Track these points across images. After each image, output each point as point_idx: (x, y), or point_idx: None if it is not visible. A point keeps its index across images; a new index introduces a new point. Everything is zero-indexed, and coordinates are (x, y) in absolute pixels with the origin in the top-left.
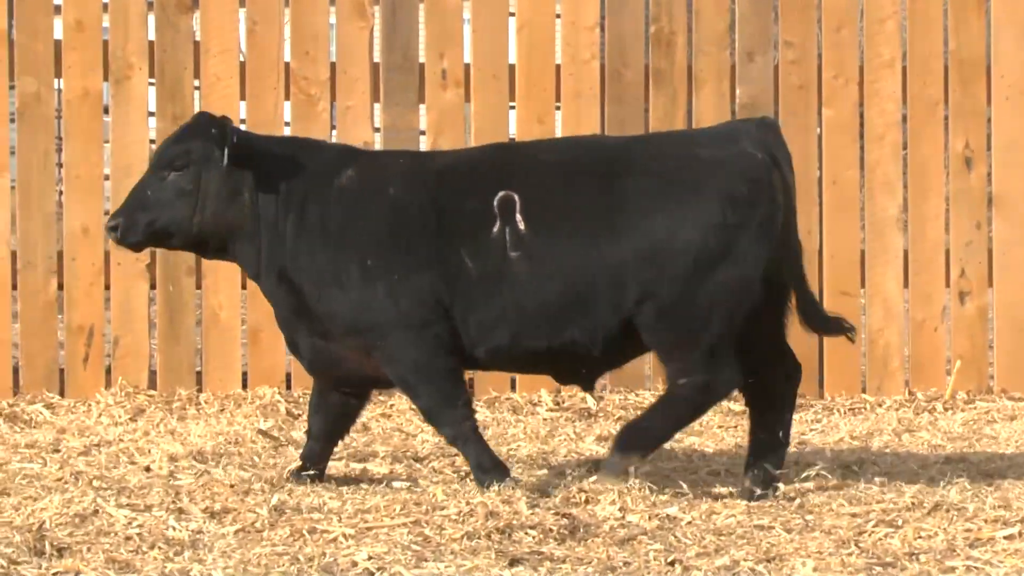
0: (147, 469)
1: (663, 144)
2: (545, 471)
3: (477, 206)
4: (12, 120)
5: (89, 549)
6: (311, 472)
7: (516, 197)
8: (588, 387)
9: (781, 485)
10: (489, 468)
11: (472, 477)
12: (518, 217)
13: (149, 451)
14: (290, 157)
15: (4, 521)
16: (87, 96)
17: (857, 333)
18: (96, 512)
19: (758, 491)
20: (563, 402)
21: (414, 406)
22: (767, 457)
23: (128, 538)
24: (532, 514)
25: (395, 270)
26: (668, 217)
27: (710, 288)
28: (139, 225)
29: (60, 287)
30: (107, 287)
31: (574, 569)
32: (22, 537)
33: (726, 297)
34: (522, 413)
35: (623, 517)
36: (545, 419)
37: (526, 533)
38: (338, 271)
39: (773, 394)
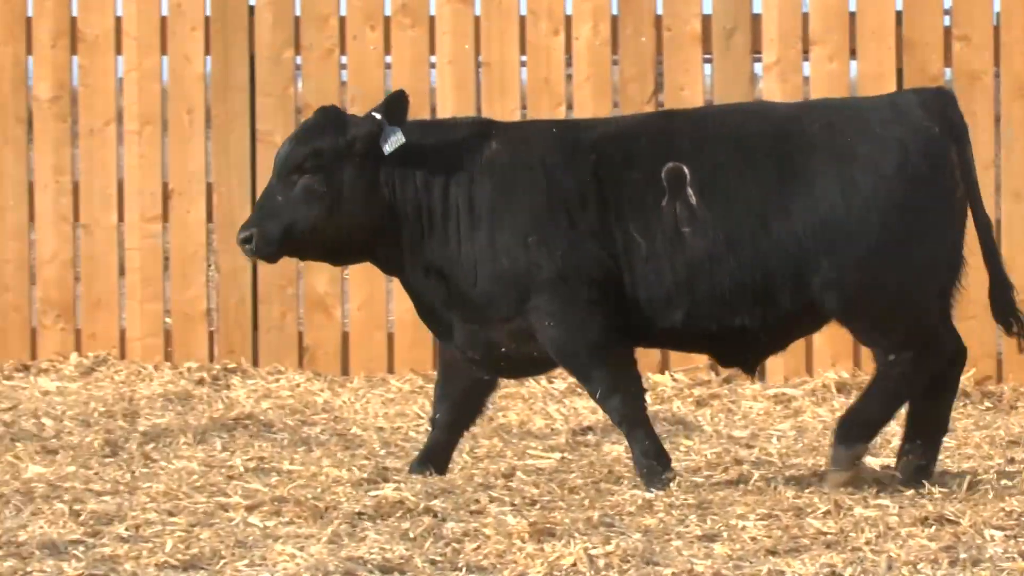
0: None
1: (835, 116)
2: None
3: (642, 177)
4: None
5: None
6: (430, 465)
7: (685, 169)
8: (751, 371)
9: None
10: (654, 456)
11: (634, 462)
12: (688, 191)
13: None
14: (423, 140)
15: None
16: None
17: None
18: None
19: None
20: None
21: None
22: (922, 447)
23: None
24: None
25: (560, 247)
26: (849, 199)
27: (896, 273)
28: (273, 234)
29: None
30: None
31: None
32: None
33: (914, 280)
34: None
35: None
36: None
37: None
38: (496, 252)
39: (934, 379)
